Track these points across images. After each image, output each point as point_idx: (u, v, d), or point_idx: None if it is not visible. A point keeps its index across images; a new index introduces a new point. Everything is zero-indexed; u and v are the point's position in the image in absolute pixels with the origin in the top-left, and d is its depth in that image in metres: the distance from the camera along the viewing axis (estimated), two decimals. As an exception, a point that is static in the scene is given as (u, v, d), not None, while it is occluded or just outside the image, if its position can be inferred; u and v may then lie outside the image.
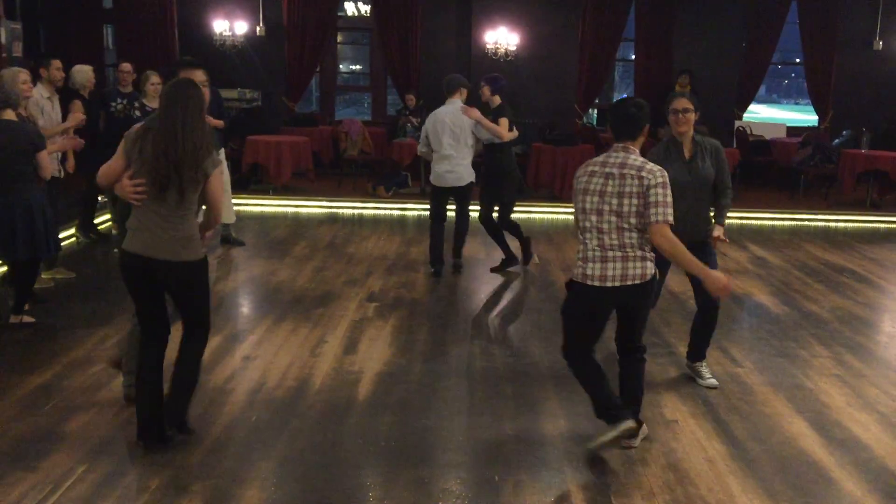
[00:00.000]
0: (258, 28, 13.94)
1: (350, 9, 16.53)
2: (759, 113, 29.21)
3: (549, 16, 13.96)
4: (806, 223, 11.04)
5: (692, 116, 4.65)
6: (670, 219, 3.79)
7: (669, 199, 3.80)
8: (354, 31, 17.90)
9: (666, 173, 3.86)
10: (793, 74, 42.11)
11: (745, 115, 15.05)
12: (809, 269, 8.29)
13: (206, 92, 4.19)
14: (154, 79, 7.71)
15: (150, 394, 3.96)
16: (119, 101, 8.07)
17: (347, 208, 10.92)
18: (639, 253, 3.85)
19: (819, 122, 14.53)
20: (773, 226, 10.80)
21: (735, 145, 13.31)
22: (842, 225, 11.04)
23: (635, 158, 3.88)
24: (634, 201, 3.80)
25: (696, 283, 4.58)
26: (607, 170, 3.87)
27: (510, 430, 4.34)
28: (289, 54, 13.68)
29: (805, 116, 21.79)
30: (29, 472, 3.71)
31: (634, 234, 3.84)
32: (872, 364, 5.57)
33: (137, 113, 7.61)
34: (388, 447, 4.10)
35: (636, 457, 4.06)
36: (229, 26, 13.56)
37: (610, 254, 3.84)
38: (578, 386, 4.90)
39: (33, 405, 4.43)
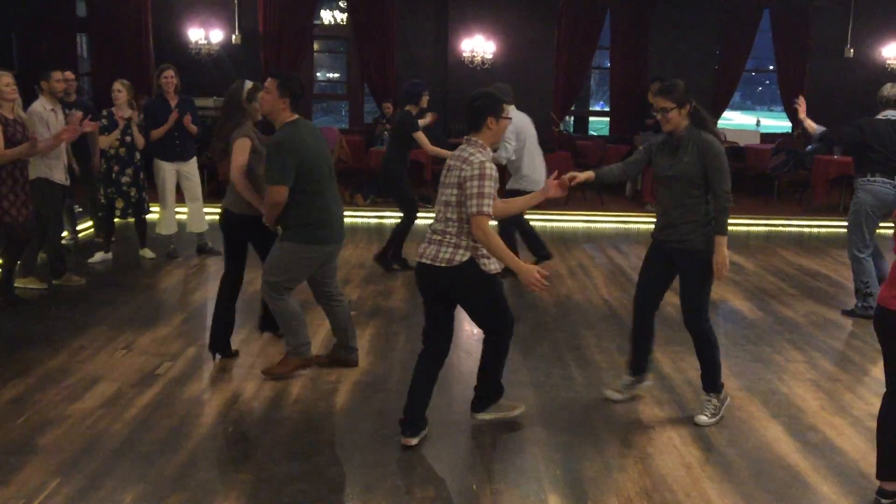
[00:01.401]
0: (234, 36, 13.89)
1: (326, 17, 16.52)
2: (734, 119, 29.47)
3: (525, 24, 14.04)
4: (780, 229, 11.16)
5: (674, 115, 4.41)
6: (486, 210, 3.93)
7: (488, 190, 3.93)
8: (331, 40, 17.87)
9: (489, 166, 3.96)
10: (766, 81, 42.58)
11: (720, 122, 15.19)
12: (784, 274, 8.37)
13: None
14: (115, 86, 7.67)
15: (226, 318, 5.37)
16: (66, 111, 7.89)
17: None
18: (453, 240, 4.06)
19: (792, 129, 14.70)
20: (747, 231, 10.90)
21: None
22: (815, 230, 11.16)
23: (470, 151, 4.04)
24: (454, 191, 4.02)
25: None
26: (450, 162, 4.13)
27: (488, 438, 4.34)
28: (265, 63, 13.64)
29: (778, 123, 22.02)
30: (1, 487, 3.66)
31: (454, 224, 4.05)
32: (846, 368, 5.63)
33: (104, 121, 7.55)
34: (366, 456, 4.08)
35: (613, 463, 4.07)
36: (204, 34, 13.50)
37: (433, 237, 4.15)
38: (556, 394, 4.94)
39: (6, 418, 4.37)
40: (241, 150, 5.07)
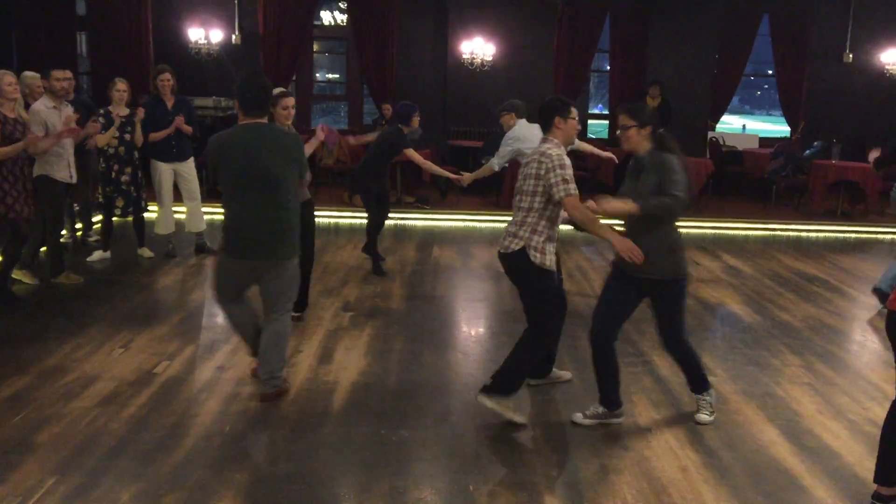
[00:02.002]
0: (234, 36, 13.91)
1: (326, 18, 16.53)
2: (732, 124, 29.49)
3: (524, 26, 14.05)
4: (778, 233, 11.17)
5: (633, 133, 4.31)
6: (572, 191, 4.31)
7: (569, 175, 4.32)
8: (331, 40, 17.88)
9: (563, 157, 4.38)
10: (765, 86, 42.60)
11: (718, 126, 15.22)
12: (781, 278, 8.38)
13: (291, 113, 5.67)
14: (120, 85, 7.65)
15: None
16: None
17: (323, 217, 10.88)
18: (513, 229, 4.47)
19: (791, 134, 14.73)
20: (745, 235, 10.91)
21: (708, 156, 13.45)
22: (813, 235, 11.18)
23: (546, 147, 4.44)
24: (532, 181, 4.41)
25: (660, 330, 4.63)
26: (529, 159, 4.52)
27: (485, 438, 4.34)
28: (265, 63, 13.64)
29: (777, 127, 22.04)
30: (-2, 485, 3.66)
31: (521, 214, 4.46)
32: (843, 372, 5.63)
33: (102, 120, 7.54)
34: (362, 457, 4.08)
35: (610, 465, 4.08)
36: (204, 34, 13.51)
37: (508, 228, 4.54)
38: (553, 396, 4.95)
39: (3, 416, 4.37)
40: None
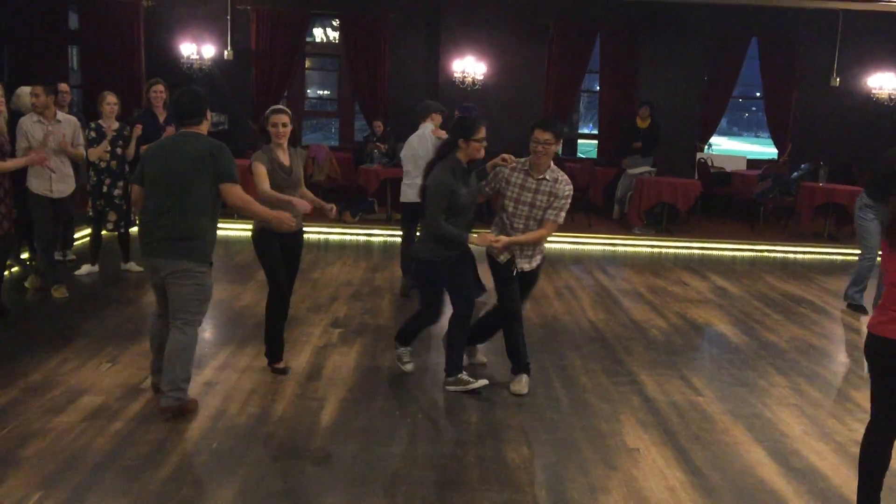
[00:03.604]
0: (226, 52, 13.93)
1: (318, 35, 16.59)
2: (720, 145, 29.70)
3: (515, 46, 14.14)
4: (765, 254, 11.24)
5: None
6: None
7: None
8: (323, 57, 17.93)
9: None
10: (753, 108, 42.89)
11: (707, 148, 15.33)
12: (769, 299, 8.43)
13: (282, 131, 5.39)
14: (110, 99, 7.65)
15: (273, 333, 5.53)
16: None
17: (313, 233, 10.88)
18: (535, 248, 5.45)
19: (778, 156, 14.85)
20: (733, 256, 10.97)
21: (696, 177, 13.54)
22: (800, 256, 11.25)
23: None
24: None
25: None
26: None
27: (473, 457, 4.34)
28: (256, 79, 13.69)
29: (765, 149, 22.24)
30: (-18, 500, 3.63)
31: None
32: (829, 394, 5.66)
33: (93, 134, 7.54)
34: (350, 474, 4.07)
35: (598, 485, 4.08)
36: (197, 49, 13.53)
37: (529, 249, 5.43)
38: (542, 415, 4.96)
39: (-12, 430, 4.35)
40: (253, 171, 5.30)
